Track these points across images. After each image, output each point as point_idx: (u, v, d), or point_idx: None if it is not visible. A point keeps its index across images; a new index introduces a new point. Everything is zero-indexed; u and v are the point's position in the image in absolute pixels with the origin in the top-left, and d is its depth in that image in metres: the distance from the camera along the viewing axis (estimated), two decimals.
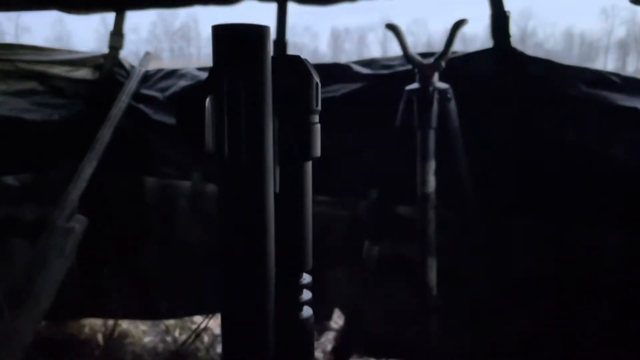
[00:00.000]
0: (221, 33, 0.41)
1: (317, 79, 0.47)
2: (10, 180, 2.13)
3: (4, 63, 2.04)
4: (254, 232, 0.43)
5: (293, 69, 0.46)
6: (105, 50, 2.25)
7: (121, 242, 2.25)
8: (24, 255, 2.04)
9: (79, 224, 1.99)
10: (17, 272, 1.97)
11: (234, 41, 0.41)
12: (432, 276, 1.46)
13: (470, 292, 1.68)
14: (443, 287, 1.57)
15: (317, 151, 0.48)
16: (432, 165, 1.46)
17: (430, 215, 1.46)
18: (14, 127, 2.10)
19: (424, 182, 1.45)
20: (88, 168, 2.04)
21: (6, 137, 2.08)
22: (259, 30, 0.41)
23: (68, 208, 1.99)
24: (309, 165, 0.48)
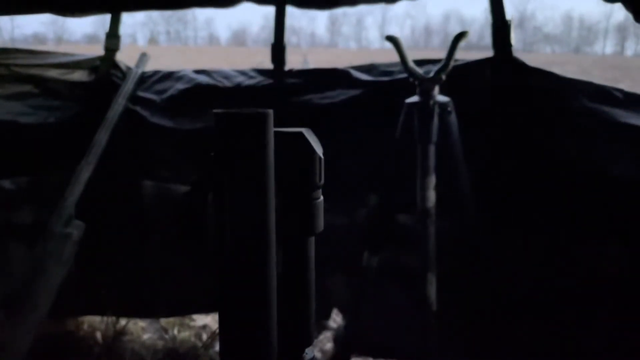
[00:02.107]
0: (223, 120, 0.40)
1: (319, 153, 0.47)
2: (6, 184, 2.12)
3: None
4: (256, 310, 0.43)
5: (296, 146, 0.46)
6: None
7: (119, 246, 2.24)
8: (20, 259, 2.03)
9: (76, 229, 1.98)
10: (13, 277, 1.96)
11: (235, 129, 0.40)
12: (432, 291, 1.46)
13: (470, 302, 1.68)
14: (443, 297, 1.58)
15: (321, 226, 0.48)
16: (432, 180, 1.45)
17: (431, 230, 1.45)
18: (9, 131, 2.08)
19: (424, 197, 1.44)
20: (85, 172, 2.03)
21: (2, 141, 2.06)
22: (261, 117, 0.40)
23: (65, 213, 1.98)
24: (312, 240, 0.48)
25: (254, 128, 0.40)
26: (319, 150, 0.46)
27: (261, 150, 0.40)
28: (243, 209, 0.40)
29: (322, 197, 0.48)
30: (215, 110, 0.40)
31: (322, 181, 0.47)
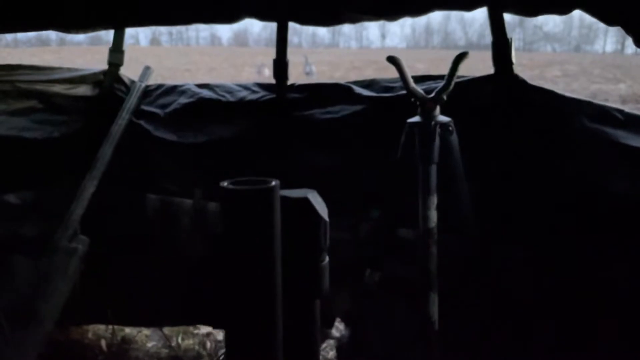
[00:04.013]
0: (230, 197, 0.42)
1: (325, 217, 0.48)
2: (11, 198, 2.13)
3: (4, 84, 2.03)
4: None
5: (302, 212, 0.47)
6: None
7: (124, 258, 2.25)
8: (25, 273, 2.04)
9: (81, 244, 1.99)
10: (19, 291, 1.98)
11: (243, 206, 0.41)
12: (435, 310, 1.47)
13: (472, 316, 1.70)
14: (445, 311, 1.59)
15: (326, 287, 0.49)
16: (434, 200, 1.46)
17: (433, 250, 1.46)
18: (14, 146, 2.10)
19: (426, 217, 1.45)
20: (90, 187, 2.05)
21: (7, 156, 2.08)
22: (267, 192, 0.42)
23: (70, 228, 2.00)
24: (318, 303, 0.49)
25: (260, 204, 0.41)
26: (324, 213, 0.48)
27: (268, 224, 0.42)
28: (251, 277, 0.42)
29: (327, 258, 0.49)
30: (222, 184, 0.42)
31: (328, 243, 0.49)
